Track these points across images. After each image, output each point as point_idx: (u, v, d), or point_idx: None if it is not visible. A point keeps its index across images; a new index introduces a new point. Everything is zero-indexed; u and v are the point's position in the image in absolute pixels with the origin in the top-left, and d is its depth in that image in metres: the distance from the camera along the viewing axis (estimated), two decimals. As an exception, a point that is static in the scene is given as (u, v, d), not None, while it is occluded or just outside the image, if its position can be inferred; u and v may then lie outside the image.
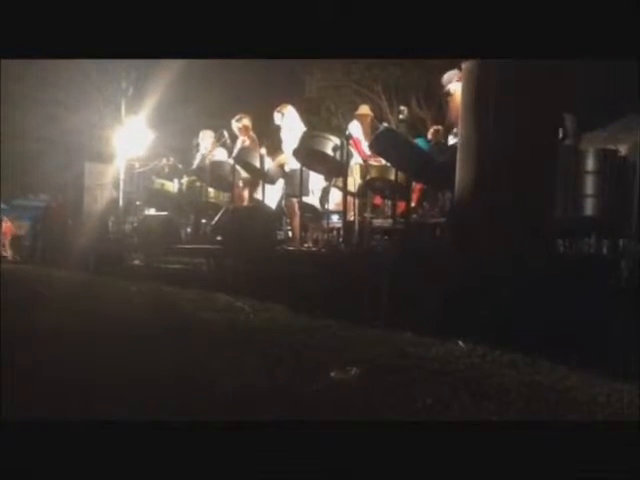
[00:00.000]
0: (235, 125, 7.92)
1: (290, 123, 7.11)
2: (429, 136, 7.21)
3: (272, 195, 7.65)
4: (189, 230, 9.23)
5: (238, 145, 7.95)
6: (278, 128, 7.28)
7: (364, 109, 7.54)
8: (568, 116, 5.66)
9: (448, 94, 5.93)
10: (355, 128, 7.05)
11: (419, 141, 5.94)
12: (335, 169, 6.38)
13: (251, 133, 7.92)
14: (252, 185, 7.96)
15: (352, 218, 6.56)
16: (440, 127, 7.26)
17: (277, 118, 7.23)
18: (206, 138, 8.85)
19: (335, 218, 7.36)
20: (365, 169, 6.43)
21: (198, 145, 8.88)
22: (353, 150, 6.52)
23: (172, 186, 9.21)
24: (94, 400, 2.32)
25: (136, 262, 9.52)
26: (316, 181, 7.01)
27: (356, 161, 6.64)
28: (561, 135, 5.44)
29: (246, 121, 7.91)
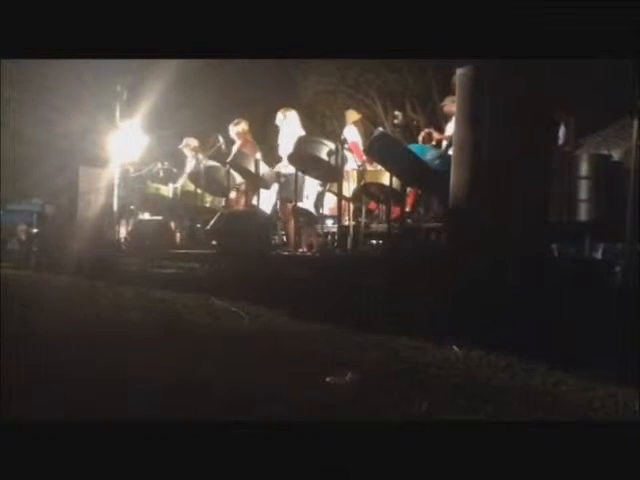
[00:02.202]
0: (233, 129, 7.93)
1: (290, 127, 7.12)
2: (420, 139, 7.20)
3: (267, 200, 7.65)
4: (184, 235, 9.21)
5: (234, 150, 7.95)
6: (276, 129, 7.30)
7: (353, 114, 7.56)
8: (565, 121, 5.68)
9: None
10: (351, 133, 7.06)
11: (417, 148, 5.94)
12: (330, 174, 6.39)
13: (249, 137, 7.93)
14: (247, 190, 7.95)
15: (347, 223, 6.56)
16: (432, 130, 7.28)
17: (278, 118, 7.24)
18: (189, 145, 8.93)
19: (330, 223, 7.37)
20: (360, 174, 6.44)
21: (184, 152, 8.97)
22: (350, 155, 6.53)
23: (167, 190, 9.20)
24: (90, 405, 2.31)
25: (130, 267, 9.49)
26: (311, 186, 7.02)
27: (351, 166, 6.65)
28: (561, 141, 5.47)
29: (244, 125, 7.92)
